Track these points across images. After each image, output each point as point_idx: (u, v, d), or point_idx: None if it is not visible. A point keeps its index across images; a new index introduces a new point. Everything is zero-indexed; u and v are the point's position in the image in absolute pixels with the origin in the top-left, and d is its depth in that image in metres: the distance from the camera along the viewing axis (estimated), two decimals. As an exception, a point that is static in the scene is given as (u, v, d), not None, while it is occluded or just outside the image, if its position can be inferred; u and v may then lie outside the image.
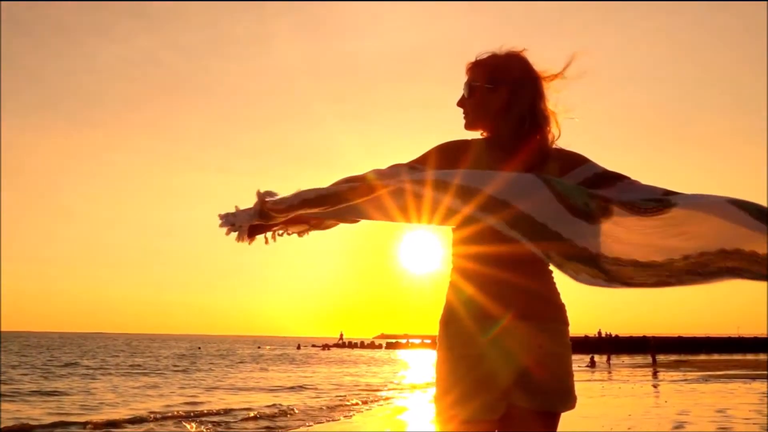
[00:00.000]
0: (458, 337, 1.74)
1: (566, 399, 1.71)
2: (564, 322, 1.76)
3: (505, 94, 1.78)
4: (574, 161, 1.78)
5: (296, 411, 12.23)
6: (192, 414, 11.55)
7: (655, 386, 17.75)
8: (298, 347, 76.47)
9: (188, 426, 10.07)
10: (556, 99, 1.80)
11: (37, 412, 11.89)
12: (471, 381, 1.69)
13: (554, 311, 1.75)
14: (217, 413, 11.69)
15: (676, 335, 71.64)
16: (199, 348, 62.78)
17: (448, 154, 1.81)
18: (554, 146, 1.80)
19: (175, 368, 27.90)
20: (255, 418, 11.12)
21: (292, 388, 18.67)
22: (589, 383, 19.66)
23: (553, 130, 1.79)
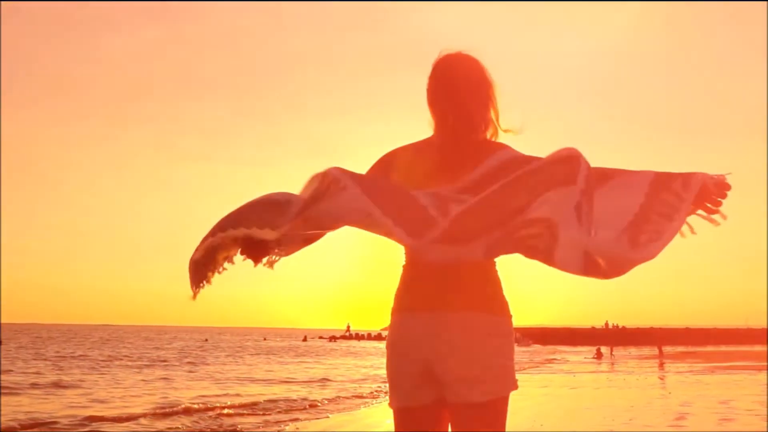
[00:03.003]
0: (398, 328, 1.79)
1: (487, 388, 1.69)
2: (489, 311, 1.74)
3: (426, 94, 1.87)
4: (489, 150, 1.79)
5: (320, 403, 12.23)
6: (211, 406, 11.49)
7: (660, 378, 17.75)
8: (304, 339, 76.69)
9: (203, 420, 10.12)
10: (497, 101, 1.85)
11: (49, 406, 11.92)
12: (414, 373, 1.74)
13: (475, 300, 1.74)
14: (233, 407, 11.62)
15: (684, 327, 71.49)
16: (206, 340, 63.00)
17: (382, 166, 1.88)
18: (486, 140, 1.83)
19: (185, 361, 28.03)
20: (272, 411, 11.08)
21: (306, 380, 18.66)
22: (594, 375, 19.69)
23: (488, 130, 1.84)
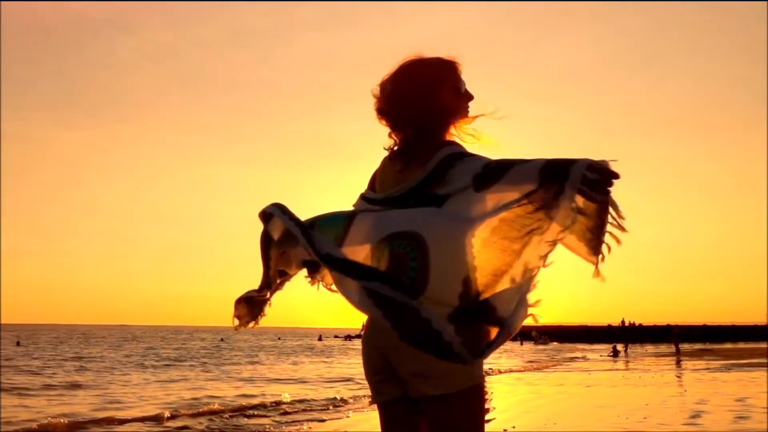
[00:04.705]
0: (367, 326, 1.83)
1: (438, 382, 1.67)
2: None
3: None
4: (431, 151, 1.78)
5: (344, 402, 12.21)
6: (232, 406, 11.53)
7: (676, 375, 17.66)
8: (320, 338, 76.77)
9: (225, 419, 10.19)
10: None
11: (66, 408, 11.99)
12: (378, 368, 1.79)
13: None
14: (254, 407, 11.64)
15: (701, 323, 70.79)
16: (222, 340, 63.12)
17: (371, 179, 1.95)
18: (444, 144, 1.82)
19: (203, 361, 28.15)
20: (296, 411, 11.08)
21: (329, 379, 18.67)
22: (610, 373, 19.60)
23: (429, 131, 1.83)
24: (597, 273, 1.61)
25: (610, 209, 1.58)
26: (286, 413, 10.87)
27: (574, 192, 1.55)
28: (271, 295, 1.95)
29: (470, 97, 1.89)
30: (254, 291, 1.92)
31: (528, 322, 1.69)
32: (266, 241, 1.86)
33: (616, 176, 1.55)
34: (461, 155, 1.75)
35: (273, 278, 1.90)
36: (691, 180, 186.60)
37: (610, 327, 68.30)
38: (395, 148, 1.88)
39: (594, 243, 1.61)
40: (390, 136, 1.89)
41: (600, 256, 1.60)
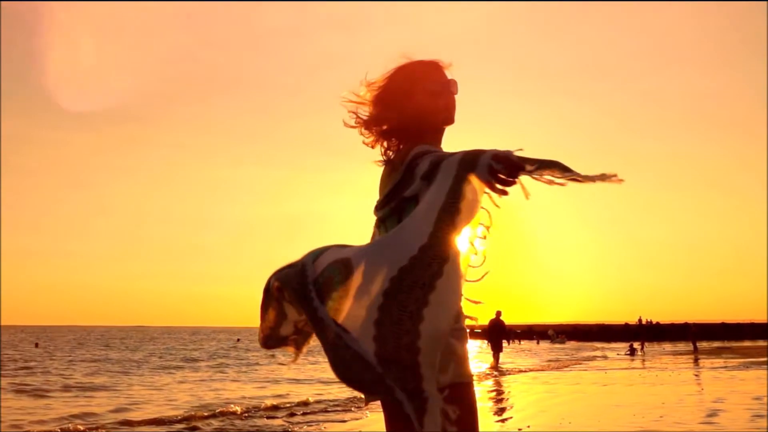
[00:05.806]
0: None
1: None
2: None
3: None
4: (403, 156, 1.82)
5: (363, 402, 12.19)
6: (252, 407, 11.53)
7: (693, 374, 17.56)
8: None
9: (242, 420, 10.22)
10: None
11: (83, 409, 12.01)
12: None
13: None
14: (276, 407, 11.64)
15: (719, 321, 70.13)
16: (238, 340, 63.35)
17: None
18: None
19: (221, 361, 28.20)
20: (313, 411, 11.04)
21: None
22: (626, 371, 19.49)
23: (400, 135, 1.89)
24: (606, 177, 1.48)
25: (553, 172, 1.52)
26: (305, 413, 10.86)
27: (483, 182, 1.56)
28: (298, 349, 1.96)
29: (450, 97, 1.88)
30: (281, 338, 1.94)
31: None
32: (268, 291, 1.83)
33: (520, 167, 1.52)
34: (423, 154, 1.77)
35: (272, 330, 1.90)
36: (708, 177, 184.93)
37: (627, 325, 67.80)
38: (385, 155, 1.93)
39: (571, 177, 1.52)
40: (381, 145, 1.93)
41: (594, 177, 1.49)
